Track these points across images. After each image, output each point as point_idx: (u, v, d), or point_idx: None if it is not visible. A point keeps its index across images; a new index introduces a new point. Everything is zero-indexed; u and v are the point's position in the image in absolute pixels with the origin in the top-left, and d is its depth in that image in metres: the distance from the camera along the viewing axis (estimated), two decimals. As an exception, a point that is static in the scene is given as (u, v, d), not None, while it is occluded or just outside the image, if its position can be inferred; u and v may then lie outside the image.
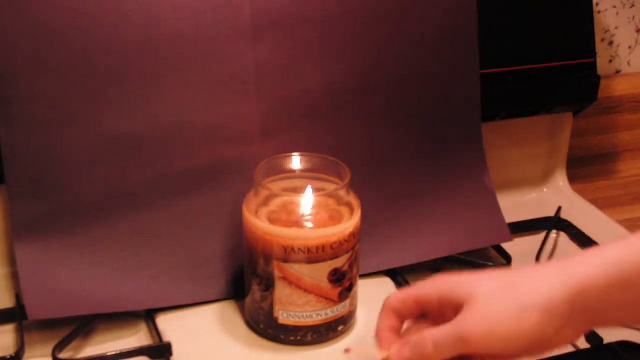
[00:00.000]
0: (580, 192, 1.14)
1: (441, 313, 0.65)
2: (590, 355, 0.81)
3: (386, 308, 0.68)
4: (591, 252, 0.61)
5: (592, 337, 0.81)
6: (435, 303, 0.65)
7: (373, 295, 0.89)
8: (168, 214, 0.87)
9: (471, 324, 0.61)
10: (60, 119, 0.83)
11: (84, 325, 0.83)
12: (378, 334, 0.67)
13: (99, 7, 0.82)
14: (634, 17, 1.20)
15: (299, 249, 0.78)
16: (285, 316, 0.81)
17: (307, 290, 0.80)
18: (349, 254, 0.81)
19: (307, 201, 0.81)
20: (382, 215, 0.93)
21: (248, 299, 0.84)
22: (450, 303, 0.64)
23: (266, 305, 0.82)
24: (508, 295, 0.61)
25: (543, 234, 1.01)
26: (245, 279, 0.84)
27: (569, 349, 0.83)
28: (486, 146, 0.99)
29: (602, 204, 1.12)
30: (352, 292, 0.83)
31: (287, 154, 0.86)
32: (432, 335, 0.63)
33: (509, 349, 0.60)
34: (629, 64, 1.23)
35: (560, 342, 0.61)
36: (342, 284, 0.81)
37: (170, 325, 0.84)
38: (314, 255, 0.78)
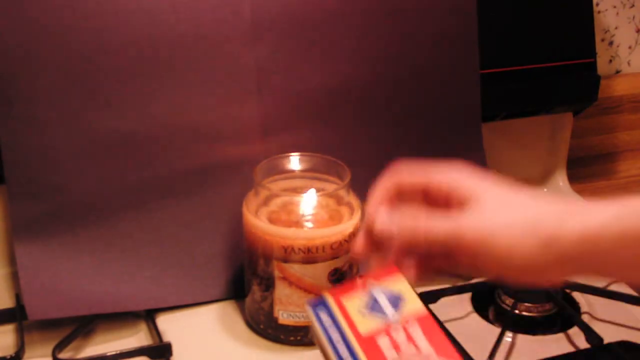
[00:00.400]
0: (580, 192, 1.14)
1: (446, 203, 0.61)
2: (590, 355, 0.81)
3: (392, 177, 0.64)
4: (610, 201, 0.58)
5: (592, 337, 0.81)
6: (444, 193, 0.62)
7: (373, 295, 0.89)
8: (168, 214, 0.87)
9: (473, 223, 0.58)
10: (60, 119, 0.83)
11: (84, 325, 0.83)
12: (371, 196, 0.64)
13: (100, 8, 0.82)
14: (634, 17, 1.20)
15: (299, 249, 0.78)
16: (285, 316, 0.81)
17: (307, 290, 0.80)
18: (349, 254, 0.81)
19: (308, 202, 0.81)
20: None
21: (248, 299, 0.84)
22: (458, 196, 0.60)
23: (266, 305, 0.82)
24: (520, 207, 0.58)
25: (543, 234, 1.01)
26: (245, 279, 0.84)
27: (569, 348, 0.83)
28: (486, 146, 0.99)
29: (602, 204, 1.11)
30: (352, 292, 0.83)
31: (287, 154, 0.86)
32: (427, 221, 0.60)
33: (502, 262, 0.58)
34: (629, 64, 1.23)
35: (554, 277, 0.59)
36: (342, 284, 0.81)
37: (170, 325, 0.84)
38: (314, 255, 0.78)
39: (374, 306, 0.62)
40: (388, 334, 0.60)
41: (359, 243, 0.64)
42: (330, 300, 0.62)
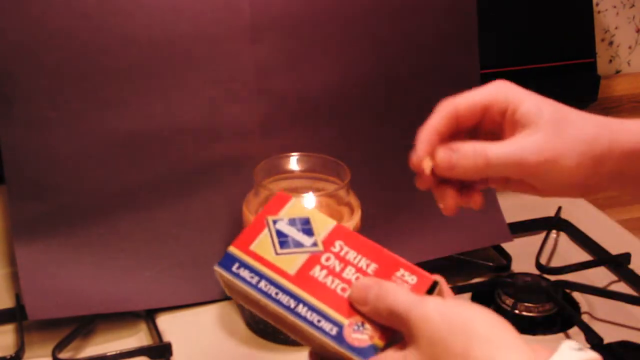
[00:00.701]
0: (580, 192, 1.13)
1: (501, 124, 0.61)
2: (590, 355, 0.81)
3: (447, 110, 0.62)
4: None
5: (592, 337, 0.81)
6: (501, 112, 0.61)
7: (373, 295, 0.89)
8: (168, 214, 0.87)
9: (535, 146, 0.59)
10: (60, 119, 0.83)
11: (84, 325, 0.83)
12: (422, 135, 0.62)
13: (100, 8, 0.82)
14: (634, 17, 1.20)
15: (299, 249, 0.78)
16: (285, 316, 0.81)
17: (307, 290, 0.80)
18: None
19: (308, 202, 0.81)
20: (382, 215, 0.93)
21: (248, 299, 0.84)
22: (513, 119, 0.60)
23: (266, 305, 0.81)
24: (576, 128, 0.60)
25: (543, 234, 1.01)
26: (245, 279, 0.84)
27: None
28: (486, 146, 0.98)
29: (602, 204, 1.11)
30: (352, 292, 0.83)
31: (287, 154, 0.86)
32: (488, 147, 0.60)
33: (562, 182, 0.60)
34: (629, 64, 1.23)
35: (600, 190, 0.63)
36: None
37: (170, 325, 0.84)
38: (314, 255, 0.78)
39: (286, 241, 0.58)
40: (318, 263, 0.57)
41: (424, 180, 0.63)
42: (240, 253, 0.58)
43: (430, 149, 0.62)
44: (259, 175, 0.82)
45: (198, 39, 0.85)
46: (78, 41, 0.82)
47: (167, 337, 0.82)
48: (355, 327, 0.55)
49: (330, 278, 0.57)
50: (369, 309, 0.55)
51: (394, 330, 0.54)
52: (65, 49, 0.82)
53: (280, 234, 0.59)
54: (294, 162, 0.86)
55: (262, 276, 0.57)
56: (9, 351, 0.80)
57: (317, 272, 0.57)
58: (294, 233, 0.59)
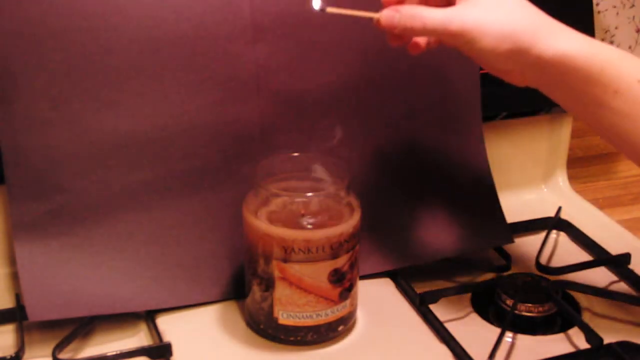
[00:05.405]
0: (580, 192, 1.14)
1: None
2: (590, 355, 0.81)
3: None
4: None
5: (592, 337, 0.81)
6: None
7: (373, 296, 0.89)
8: (168, 214, 0.87)
9: (461, 16, 0.69)
10: (60, 119, 0.83)
11: (84, 326, 0.83)
12: None
13: (100, 7, 0.82)
14: (634, 17, 1.20)
15: (299, 249, 0.78)
16: (285, 316, 0.81)
17: (307, 291, 0.80)
18: (349, 254, 0.81)
19: (308, 202, 0.81)
20: (382, 215, 0.93)
21: (248, 299, 0.84)
22: None
23: (266, 305, 0.82)
24: (507, 13, 0.70)
25: (543, 234, 1.01)
26: (246, 279, 0.84)
27: (569, 348, 0.83)
28: (486, 146, 0.99)
29: (602, 204, 1.12)
30: (352, 292, 0.83)
31: (287, 154, 0.86)
32: (425, 12, 0.70)
33: (480, 55, 0.70)
34: (629, 64, 1.23)
35: (520, 80, 0.73)
36: (342, 284, 0.81)
37: (170, 325, 0.84)
38: (314, 255, 0.78)
39: None
40: None
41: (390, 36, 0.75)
42: None
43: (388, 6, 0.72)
44: (259, 175, 0.82)
45: (198, 39, 0.85)
46: (78, 41, 0.82)
47: (167, 337, 0.82)
48: None
49: None
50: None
51: None
52: (65, 49, 0.82)
53: None
54: (294, 162, 0.86)
55: None
56: (9, 351, 0.80)
57: None
58: None
